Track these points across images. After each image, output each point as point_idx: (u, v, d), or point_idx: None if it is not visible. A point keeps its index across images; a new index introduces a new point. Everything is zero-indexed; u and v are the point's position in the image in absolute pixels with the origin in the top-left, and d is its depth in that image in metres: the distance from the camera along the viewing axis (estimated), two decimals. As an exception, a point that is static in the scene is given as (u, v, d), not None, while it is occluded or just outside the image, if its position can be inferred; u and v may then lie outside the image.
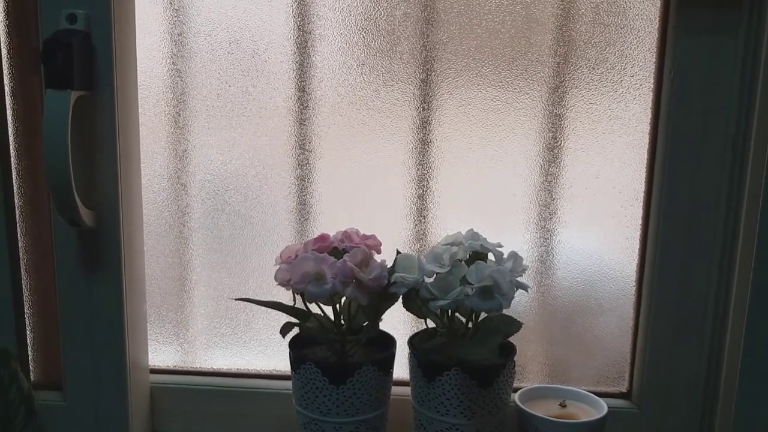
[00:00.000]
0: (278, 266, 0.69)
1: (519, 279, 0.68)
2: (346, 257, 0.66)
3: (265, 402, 0.82)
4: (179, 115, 0.81)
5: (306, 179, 0.81)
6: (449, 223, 0.81)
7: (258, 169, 0.81)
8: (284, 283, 0.67)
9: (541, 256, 0.81)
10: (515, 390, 0.74)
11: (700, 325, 0.77)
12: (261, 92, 0.80)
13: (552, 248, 0.81)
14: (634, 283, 0.80)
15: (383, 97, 0.79)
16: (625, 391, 0.82)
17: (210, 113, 0.80)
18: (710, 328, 0.77)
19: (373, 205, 0.81)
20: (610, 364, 0.82)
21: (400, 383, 0.76)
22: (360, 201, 0.81)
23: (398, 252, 0.71)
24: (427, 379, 0.68)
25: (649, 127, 0.77)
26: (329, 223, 0.82)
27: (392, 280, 0.67)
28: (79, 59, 0.69)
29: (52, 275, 0.77)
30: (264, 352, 0.85)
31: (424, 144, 0.80)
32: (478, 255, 0.69)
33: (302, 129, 0.80)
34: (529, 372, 0.83)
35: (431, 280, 0.67)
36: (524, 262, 0.69)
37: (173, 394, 0.83)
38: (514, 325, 0.69)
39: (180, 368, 0.86)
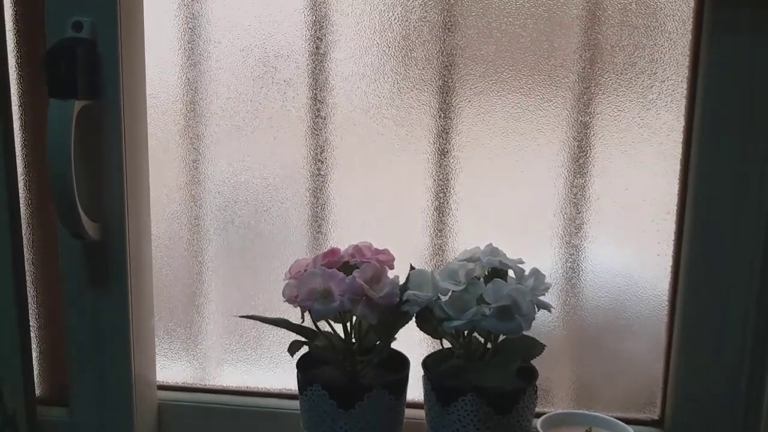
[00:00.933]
0: (287, 281, 0.66)
1: (541, 298, 0.63)
2: (355, 273, 0.63)
3: (275, 422, 0.79)
4: (189, 126, 0.78)
5: (319, 191, 0.78)
6: (468, 238, 0.77)
7: (269, 181, 0.78)
8: (291, 300, 0.64)
9: (567, 274, 0.77)
10: (537, 415, 0.69)
11: (739, 347, 0.71)
12: (273, 101, 0.77)
13: (578, 265, 0.76)
14: (667, 303, 0.75)
15: (399, 105, 0.76)
16: (656, 418, 0.76)
17: (221, 123, 0.78)
18: (750, 351, 0.71)
19: (388, 218, 0.78)
20: (640, 388, 0.77)
21: (415, 406, 0.72)
22: (374, 214, 0.78)
23: (412, 267, 0.68)
24: (442, 403, 0.64)
25: (682, 136, 0.72)
26: (342, 236, 0.78)
27: (404, 298, 0.64)
28: (84, 68, 0.67)
29: (59, 289, 0.75)
30: (274, 369, 0.82)
31: (441, 154, 0.76)
32: (496, 272, 0.65)
33: (315, 139, 0.77)
34: (554, 396, 0.78)
35: (446, 298, 0.63)
36: (547, 280, 0.65)
37: (181, 412, 0.81)
38: (537, 348, 0.65)
39: (189, 385, 0.83)
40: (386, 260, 0.66)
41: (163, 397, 0.81)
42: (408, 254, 0.76)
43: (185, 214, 0.80)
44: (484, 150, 0.75)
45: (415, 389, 0.69)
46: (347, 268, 0.65)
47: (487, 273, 0.65)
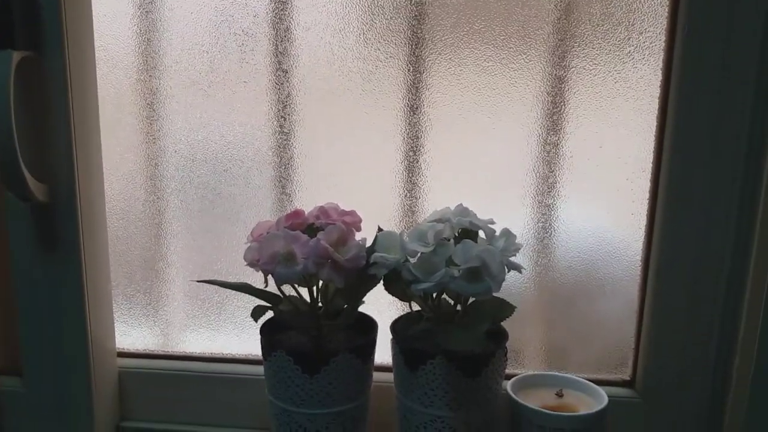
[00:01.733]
0: (248, 244, 0.63)
1: (512, 259, 0.61)
2: (320, 235, 0.60)
3: (240, 388, 0.77)
4: (142, 80, 0.74)
5: (282, 149, 0.75)
6: (438, 198, 0.74)
7: (229, 138, 0.74)
8: (253, 264, 0.61)
9: (539, 234, 0.75)
10: (508, 377, 0.68)
11: (711, 308, 0.70)
12: (230, 53, 0.72)
13: (551, 225, 0.74)
14: (640, 263, 0.73)
15: (365, 57, 0.72)
16: (628, 378, 0.75)
17: (175, 77, 0.73)
18: (722, 311, 0.70)
19: (355, 178, 0.75)
20: (612, 350, 0.76)
21: (384, 369, 0.70)
22: (341, 173, 0.74)
23: (379, 229, 0.65)
24: (410, 367, 0.62)
25: (659, 91, 0.70)
26: (308, 197, 0.75)
27: (372, 261, 0.61)
28: (22, 16, 0.61)
29: (8, 254, 0.71)
30: (239, 335, 0.79)
31: (411, 110, 0.73)
32: (467, 233, 0.62)
33: (277, 94, 0.73)
34: (524, 358, 0.77)
35: (415, 260, 0.60)
36: (519, 241, 0.62)
37: (143, 379, 0.78)
38: (506, 309, 0.63)
39: (150, 352, 0.80)
40: (353, 222, 0.64)
41: (124, 365, 0.78)
42: (376, 215, 0.73)
43: (141, 174, 0.76)
44: (456, 106, 0.72)
45: (385, 352, 0.67)
46: (312, 230, 0.62)
47: (457, 234, 0.62)
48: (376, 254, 0.61)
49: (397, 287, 0.62)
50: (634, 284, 0.74)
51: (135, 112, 0.74)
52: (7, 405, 0.74)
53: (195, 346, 0.80)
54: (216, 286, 0.77)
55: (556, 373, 0.71)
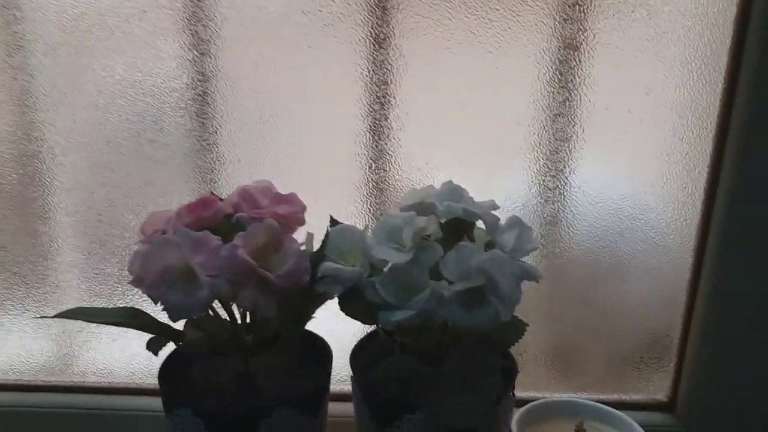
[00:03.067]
0: (137, 247, 0.42)
1: (524, 264, 0.42)
2: (238, 239, 0.39)
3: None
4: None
5: (202, 101, 0.53)
6: (415, 168, 0.54)
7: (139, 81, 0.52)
8: (138, 282, 0.40)
9: (552, 215, 0.55)
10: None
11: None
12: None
13: (567, 201, 0.55)
14: (692, 253, 0.54)
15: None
16: (665, 400, 0.57)
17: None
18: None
19: (300, 144, 0.53)
20: (646, 358, 0.58)
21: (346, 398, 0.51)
22: (280, 136, 0.53)
23: (332, 221, 0.44)
24: (379, 422, 0.43)
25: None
26: (236, 172, 0.54)
27: (319, 274, 0.41)
28: None
29: None
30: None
31: (376, 43, 0.51)
32: (459, 226, 0.42)
33: (193, 24, 0.51)
34: (527, 363, 0.57)
35: (384, 271, 0.40)
36: (534, 234, 0.43)
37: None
38: (516, 330, 0.44)
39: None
40: (291, 214, 0.43)
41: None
42: (329, 199, 0.53)
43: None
44: (438, 37, 0.51)
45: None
46: (228, 227, 0.42)
47: (443, 226, 0.42)
48: (326, 265, 0.41)
49: (358, 308, 0.42)
50: (683, 276, 0.55)
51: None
52: None
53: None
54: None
55: (574, 398, 0.53)
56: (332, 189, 0.54)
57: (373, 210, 0.55)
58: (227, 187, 0.54)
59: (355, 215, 0.55)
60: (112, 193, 0.55)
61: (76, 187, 0.55)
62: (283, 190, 0.44)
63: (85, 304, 0.58)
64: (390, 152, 0.53)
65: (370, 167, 0.54)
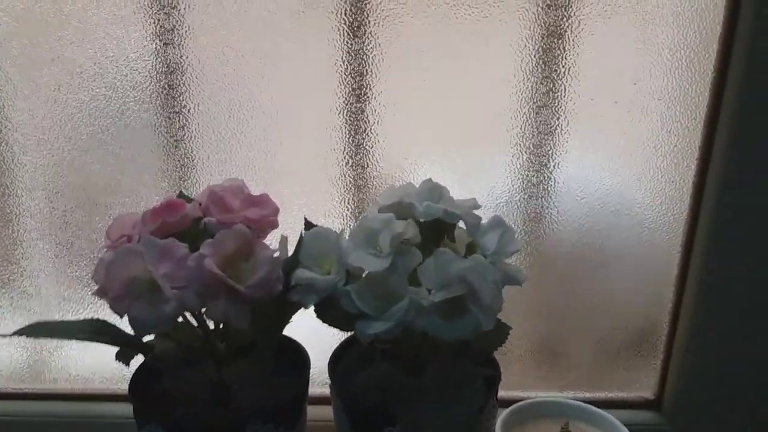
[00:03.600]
0: (102, 254, 0.40)
1: (507, 267, 0.40)
2: (206, 248, 0.37)
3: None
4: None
5: (167, 95, 0.50)
6: (395, 165, 0.52)
7: (99, 74, 0.49)
8: (102, 293, 0.38)
9: (537, 211, 0.53)
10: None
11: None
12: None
13: (552, 197, 0.53)
14: (680, 249, 0.53)
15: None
16: (652, 398, 0.57)
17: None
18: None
19: (272, 138, 0.51)
20: (632, 356, 0.56)
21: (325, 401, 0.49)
22: (254, 130, 0.51)
23: (306, 224, 0.42)
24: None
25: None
26: (210, 168, 0.52)
27: (293, 282, 0.39)
28: None
29: None
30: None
31: (351, 31, 0.49)
32: (439, 227, 0.40)
33: (155, 12, 0.48)
34: (511, 362, 0.56)
35: (362, 278, 0.38)
36: (516, 234, 0.41)
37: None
38: (499, 335, 0.42)
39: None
40: (262, 218, 0.41)
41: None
42: (304, 197, 0.51)
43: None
44: (416, 25, 0.48)
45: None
46: (196, 232, 0.40)
47: (423, 227, 0.40)
48: (299, 272, 0.39)
49: (335, 315, 0.40)
50: (669, 274, 0.54)
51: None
52: None
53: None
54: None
55: (559, 398, 0.52)
56: (307, 186, 0.52)
57: (351, 208, 0.52)
58: (197, 185, 0.52)
59: (332, 213, 0.52)
60: (77, 192, 0.53)
61: (37, 186, 0.52)
62: (255, 187, 0.42)
63: (53, 311, 0.56)
64: (367, 147, 0.51)
65: (347, 163, 0.51)
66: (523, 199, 0.53)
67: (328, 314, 0.40)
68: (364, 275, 0.38)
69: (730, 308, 0.51)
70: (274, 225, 0.41)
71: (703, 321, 0.52)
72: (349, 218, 0.53)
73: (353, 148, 0.51)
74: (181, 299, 0.36)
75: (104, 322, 0.41)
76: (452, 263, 0.37)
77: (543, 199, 0.52)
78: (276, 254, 0.40)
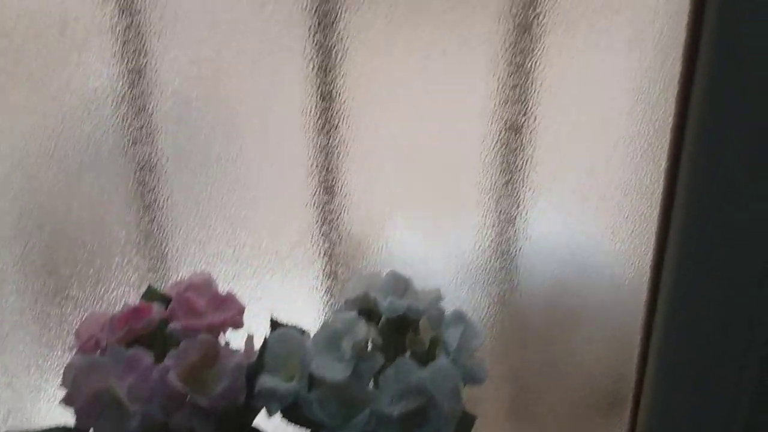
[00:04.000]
0: (72, 356, 0.41)
1: (470, 363, 0.41)
2: (170, 359, 0.38)
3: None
4: None
5: (141, 138, 0.50)
6: (357, 222, 0.52)
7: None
8: (69, 402, 0.39)
9: (504, 258, 0.53)
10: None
11: (745, 350, 0.52)
12: None
13: (516, 243, 0.53)
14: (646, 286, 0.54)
15: None
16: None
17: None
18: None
19: (233, 190, 0.51)
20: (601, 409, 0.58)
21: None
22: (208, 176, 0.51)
23: (272, 324, 0.43)
24: None
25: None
26: (172, 215, 0.52)
27: (257, 389, 0.39)
28: None
29: None
30: None
31: (320, 97, 0.48)
32: (404, 324, 0.41)
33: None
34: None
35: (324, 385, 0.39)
36: (480, 330, 0.41)
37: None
38: (464, 425, 0.43)
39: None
40: (225, 321, 0.41)
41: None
42: (271, 257, 0.51)
43: None
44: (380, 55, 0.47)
45: None
46: (162, 337, 0.40)
47: (386, 324, 0.41)
48: (263, 381, 0.39)
49: (301, 419, 0.41)
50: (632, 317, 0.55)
51: None
52: None
53: None
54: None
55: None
56: (276, 246, 0.52)
57: (320, 272, 0.53)
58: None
59: (301, 275, 0.53)
60: (46, 237, 0.52)
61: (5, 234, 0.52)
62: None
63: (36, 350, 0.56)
64: (337, 203, 0.51)
65: (318, 222, 0.51)
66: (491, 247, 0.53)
67: (294, 418, 0.41)
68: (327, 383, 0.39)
69: (698, 362, 0.52)
70: (239, 325, 0.42)
71: (666, 371, 0.53)
72: (321, 279, 0.53)
73: (324, 199, 0.51)
74: (144, 417, 0.37)
75: (70, 429, 0.42)
76: (412, 372, 0.38)
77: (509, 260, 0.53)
78: (240, 356, 0.40)
